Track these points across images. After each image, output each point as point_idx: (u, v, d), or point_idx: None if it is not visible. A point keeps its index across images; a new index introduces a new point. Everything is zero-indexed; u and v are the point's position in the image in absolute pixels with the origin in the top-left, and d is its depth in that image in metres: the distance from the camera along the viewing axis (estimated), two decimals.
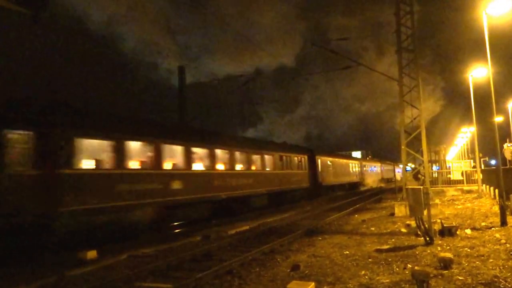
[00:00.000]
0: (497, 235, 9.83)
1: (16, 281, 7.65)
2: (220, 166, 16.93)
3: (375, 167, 56.59)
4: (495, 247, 8.58)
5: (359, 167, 44.80)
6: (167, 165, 13.89)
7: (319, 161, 29.95)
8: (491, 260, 7.45)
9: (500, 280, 6.21)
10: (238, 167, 18.34)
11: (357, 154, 73.36)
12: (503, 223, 11.25)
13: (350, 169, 40.87)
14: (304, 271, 7.71)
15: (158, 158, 13.03)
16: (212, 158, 16.10)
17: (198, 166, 15.44)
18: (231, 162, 17.55)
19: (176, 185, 13.58)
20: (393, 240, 10.41)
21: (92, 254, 9.68)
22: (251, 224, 15.11)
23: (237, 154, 18.22)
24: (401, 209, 15.59)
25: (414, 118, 17.17)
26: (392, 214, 15.94)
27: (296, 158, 25.43)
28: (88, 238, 10.51)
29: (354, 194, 33.44)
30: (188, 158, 14.60)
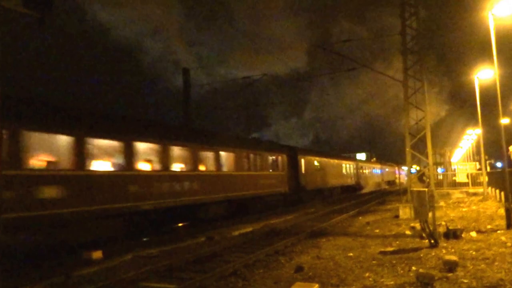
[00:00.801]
0: (503, 238, 9.77)
1: (24, 280, 7.72)
2: (143, 166, 13.02)
3: (375, 169, 55.38)
4: (500, 250, 8.52)
5: (354, 169, 42.11)
6: (37, 163, 9.88)
7: (302, 161, 26.42)
8: (496, 263, 7.41)
9: (506, 283, 6.17)
10: (177, 167, 14.54)
11: (361, 156, 73.03)
12: (509, 226, 11.17)
13: (343, 171, 37.83)
14: (308, 272, 7.71)
15: (17, 154, 9.00)
16: (129, 154, 12.09)
17: (101, 165, 11.59)
18: (164, 160, 13.61)
19: (51, 193, 9.58)
20: (397, 242, 10.38)
21: (97, 254, 9.75)
22: (255, 226, 15.15)
23: (175, 149, 14.24)
24: (405, 211, 15.55)
25: (419, 120, 17.17)
26: (397, 216, 15.89)
27: (270, 158, 21.55)
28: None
29: (357, 197, 33.36)
30: (81, 154, 10.56)
